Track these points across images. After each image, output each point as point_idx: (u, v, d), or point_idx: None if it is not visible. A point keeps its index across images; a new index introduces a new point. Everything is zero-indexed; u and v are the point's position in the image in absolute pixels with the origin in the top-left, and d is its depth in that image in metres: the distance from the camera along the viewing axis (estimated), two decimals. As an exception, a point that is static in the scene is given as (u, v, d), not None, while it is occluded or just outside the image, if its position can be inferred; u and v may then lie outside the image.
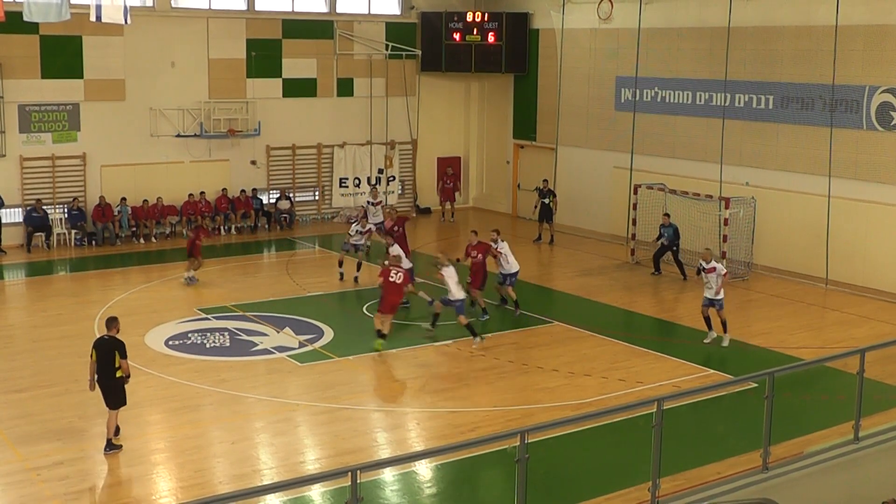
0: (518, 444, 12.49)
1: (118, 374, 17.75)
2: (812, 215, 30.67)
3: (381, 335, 23.45)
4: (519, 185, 41.93)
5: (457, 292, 24.41)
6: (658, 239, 31.44)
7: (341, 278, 30.09)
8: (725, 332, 24.41)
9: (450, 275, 24.47)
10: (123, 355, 17.70)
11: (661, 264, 31.54)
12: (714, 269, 24.12)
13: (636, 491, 15.60)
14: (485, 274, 26.49)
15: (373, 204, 34.41)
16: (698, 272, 24.84)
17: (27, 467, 17.17)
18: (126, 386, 17.92)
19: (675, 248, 31.18)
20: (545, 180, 37.26)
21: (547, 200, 36.30)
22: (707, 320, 24.55)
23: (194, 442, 18.48)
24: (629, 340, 24.64)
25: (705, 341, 24.50)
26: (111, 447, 17.68)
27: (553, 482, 16.61)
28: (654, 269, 31.58)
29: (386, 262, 25.06)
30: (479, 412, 19.86)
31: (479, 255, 26.47)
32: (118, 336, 17.90)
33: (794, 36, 31.23)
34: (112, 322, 18.07)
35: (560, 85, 39.23)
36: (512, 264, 26.88)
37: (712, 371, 22.30)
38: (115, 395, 17.84)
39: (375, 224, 31.36)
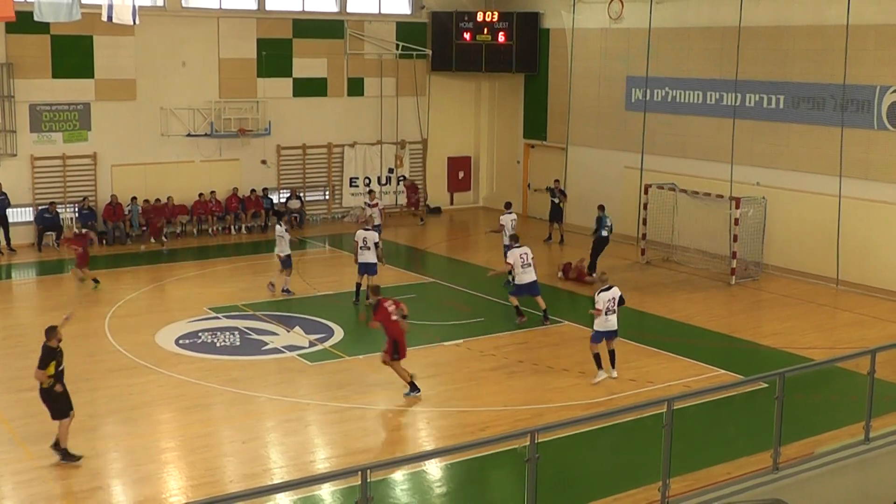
0: (528, 443, 12.47)
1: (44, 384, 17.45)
2: (823, 215, 30.60)
3: (413, 386, 20.84)
4: (529, 185, 41.90)
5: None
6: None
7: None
8: (614, 365, 21.94)
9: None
10: (39, 364, 17.40)
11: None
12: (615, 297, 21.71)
13: (646, 491, 15.59)
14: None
15: (369, 205, 34.15)
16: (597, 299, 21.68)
17: (37, 466, 17.21)
18: (137, 384, 17.86)
19: None
20: (556, 180, 37.31)
21: (557, 200, 36.25)
22: (597, 357, 21.66)
23: (204, 441, 18.51)
24: (639, 340, 24.58)
25: (594, 381, 21.56)
26: (66, 457, 17.35)
27: (563, 482, 16.60)
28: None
29: (370, 302, 22.21)
30: (489, 412, 19.86)
31: None
32: (52, 344, 17.63)
33: (805, 35, 31.17)
34: (49, 331, 17.78)
35: (571, 85, 39.19)
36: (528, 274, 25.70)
37: (722, 371, 22.24)
38: (48, 405, 17.59)
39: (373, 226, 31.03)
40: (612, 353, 21.75)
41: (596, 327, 21.53)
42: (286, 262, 28.66)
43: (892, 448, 16.12)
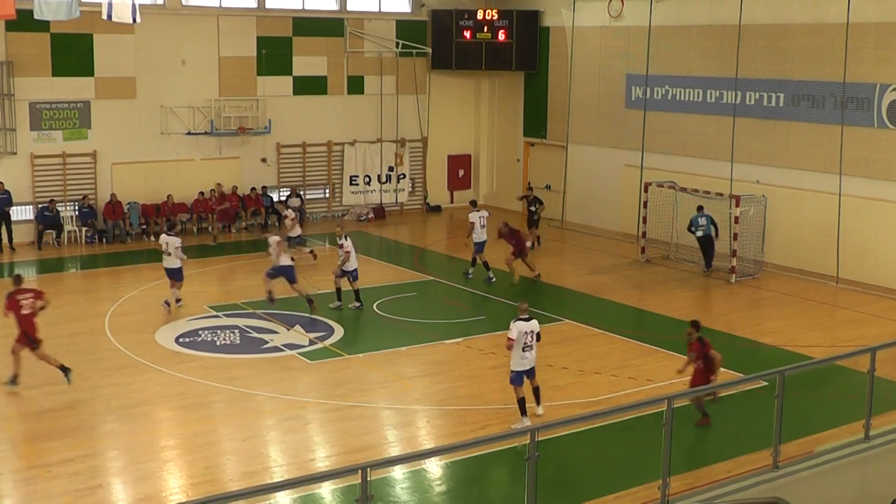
0: (528, 442, 12.47)
1: None
2: (823, 213, 30.61)
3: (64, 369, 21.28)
4: (529, 184, 41.88)
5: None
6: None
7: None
8: (539, 402, 19.64)
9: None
10: None
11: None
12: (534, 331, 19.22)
13: (646, 489, 15.61)
14: None
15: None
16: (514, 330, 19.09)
17: (37, 464, 17.21)
18: (136, 383, 17.94)
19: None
20: (530, 187, 36.51)
21: (534, 209, 34.49)
22: (522, 402, 19.03)
23: (204, 439, 18.51)
24: (639, 339, 24.61)
25: (514, 427, 18.69)
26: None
27: (563, 480, 16.61)
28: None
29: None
30: (488, 410, 19.86)
31: None
32: None
33: (805, 33, 31.18)
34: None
35: (571, 83, 39.19)
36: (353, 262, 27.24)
37: (722, 369, 22.14)
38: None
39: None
40: (536, 391, 19.43)
41: (513, 367, 18.92)
42: (177, 275, 26.69)
43: (892, 446, 16.12)
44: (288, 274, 26.58)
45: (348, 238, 27.03)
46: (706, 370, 18.70)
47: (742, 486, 14.47)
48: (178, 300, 26.77)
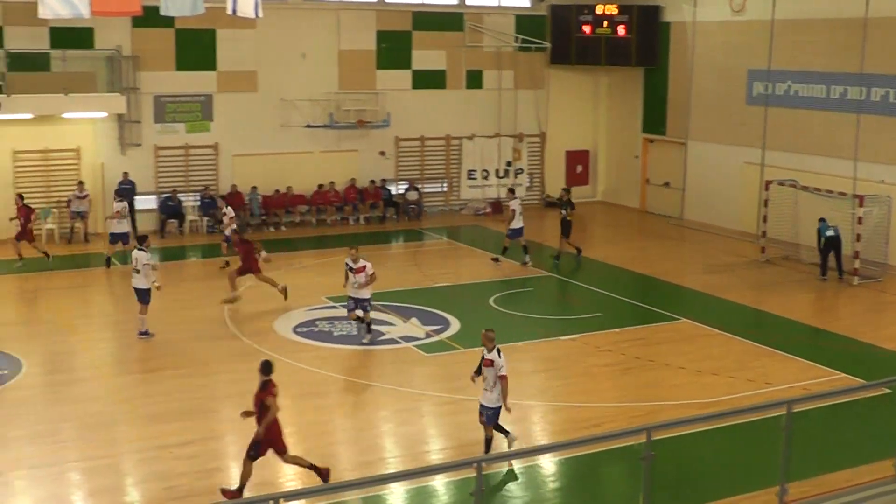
0: (644, 441, 12.37)
1: None
2: (951, 215, 29.87)
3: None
4: (648, 180, 41.55)
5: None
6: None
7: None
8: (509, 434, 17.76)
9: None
10: None
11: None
12: (492, 361, 17.15)
13: (764, 495, 15.36)
14: None
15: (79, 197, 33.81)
16: (478, 371, 17.53)
17: (158, 444, 17.56)
18: (254, 370, 18.10)
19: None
20: (565, 189, 33.84)
21: (565, 212, 32.08)
22: (488, 442, 17.40)
23: (320, 428, 18.68)
24: (757, 340, 24.19)
25: (511, 440, 17.63)
26: None
27: (678, 481, 16.38)
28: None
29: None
30: (603, 408, 19.74)
31: None
32: None
33: (935, 28, 30.42)
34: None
35: (691, 78, 38.74)
36: None
37: (843, 374, 21.74)
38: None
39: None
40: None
41: (494, 403, 17.14)
42: (144, 297, 23.78)
43: None
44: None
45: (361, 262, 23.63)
46: None
47: (863, 496, 14.18)
48: (144, 332, 23.78)
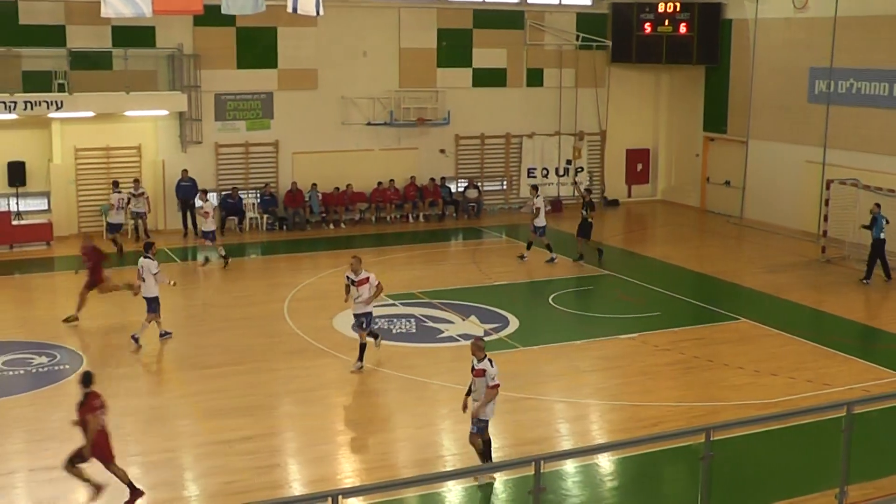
0: (703, 441, 12.26)
1: None
2: None
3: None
4: (708, 179, 41.25)
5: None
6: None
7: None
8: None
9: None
10: None
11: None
12: (483, 370, 16.11)
13: (822, 497, 15.17)
14: None
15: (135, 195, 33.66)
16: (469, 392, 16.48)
17: (218, 440, 17.65)
18: (314, 367, 18.21)
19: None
20: (588, 189, 33.95)
21: (585, 213, 31.40)
22: (485, 453, 16.43)
23: (379, 425, 18.72)
24: (816, 340, 23.89)
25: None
26: None
27: (737, 482, 16.19)
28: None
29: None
30: (662, 407, 19.61)
31: None
32: None
33: None
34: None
35: (753, 76, 38.40)
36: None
37: (903, 374, 21.50)
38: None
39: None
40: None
41: (489, 415, 16.34)
42: (153, 305, 22.99)
43: None
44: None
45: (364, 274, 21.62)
46: None
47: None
48: (164, 333, 23.27)
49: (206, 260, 31.40)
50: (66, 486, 15.70)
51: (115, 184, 32.93)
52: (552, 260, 31.17)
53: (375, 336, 22.08)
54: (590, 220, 31.45)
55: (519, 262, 31.35)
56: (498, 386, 16.07)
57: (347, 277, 21.57)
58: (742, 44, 38.97)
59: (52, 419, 18.64)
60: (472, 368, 16.21)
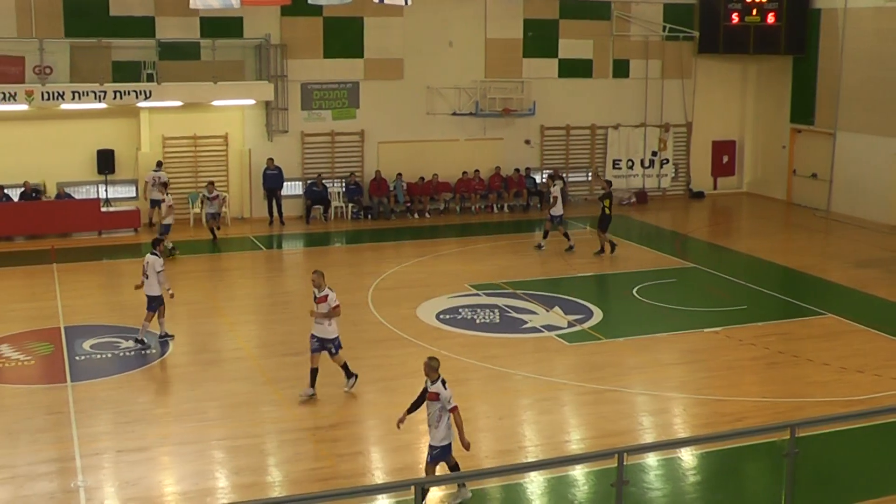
0: (787, 437, 12.17)
1: None
2: None
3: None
4: (795, 171, 40.77)
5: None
6: None
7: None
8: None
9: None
10: None
11: None
12: (437, 394, 15.21)
13: (908, 498, 15.01)
14: None
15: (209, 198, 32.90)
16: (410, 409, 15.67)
17: (302, 426, 17.85)
18: (397, 356, 18.26)
19: None
20: (608, 181, 33.63)
21: (604, 204, 31.06)
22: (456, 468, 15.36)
23: (461, 415, 18.74)
24: (904, 338, 23.60)
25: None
26: None
27: (821, 479, 16.04)
28: None
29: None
30: (746, 402, 19.44)
31: None
32: None
33: None
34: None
35: (841, 67, 37.87)
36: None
37: None
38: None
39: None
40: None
41: (440, 441, 15.13)
42: (154, 303, 22.21)
43: None
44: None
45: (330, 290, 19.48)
46: None
47: None
48: (165, 335, 22.50)
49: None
50: (151, 467, 15.99)
51: (159, 164, 33.65)
52: (570, 248, 31.39)
53: (350, 376, 19.69)
54: (608, 212, 30.99)
55: (537, 252, 31.47)
56: (456, 408, 14.91)
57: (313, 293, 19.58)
58: (831, 33, 38.43)
59: (139, 401, 19.01)
60: (425, 391, 15.23)
